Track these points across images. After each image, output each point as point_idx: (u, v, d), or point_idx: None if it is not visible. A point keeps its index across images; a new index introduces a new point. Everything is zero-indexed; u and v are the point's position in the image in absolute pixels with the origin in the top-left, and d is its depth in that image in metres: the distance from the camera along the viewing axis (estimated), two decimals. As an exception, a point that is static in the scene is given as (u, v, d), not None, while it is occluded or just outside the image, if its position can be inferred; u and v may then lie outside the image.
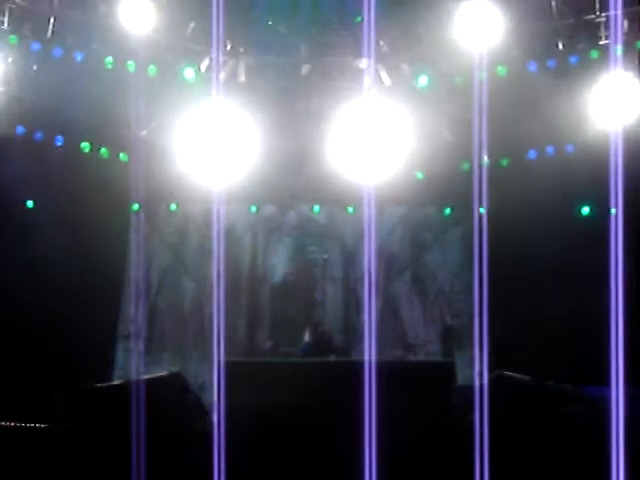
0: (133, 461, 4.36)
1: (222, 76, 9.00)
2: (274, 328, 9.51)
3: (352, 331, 8.91)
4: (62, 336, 8.38)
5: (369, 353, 4.94)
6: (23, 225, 8.80)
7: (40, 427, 4.60)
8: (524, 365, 5.37)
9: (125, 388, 5.16)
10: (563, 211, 9.04)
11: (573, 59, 8.55)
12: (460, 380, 6.48)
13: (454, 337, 9.59)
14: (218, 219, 8.33)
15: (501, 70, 8.59)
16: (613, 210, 4.86)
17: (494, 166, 9.02)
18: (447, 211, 9.86)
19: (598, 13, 8.40)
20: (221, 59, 8.83)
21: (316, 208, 9.81)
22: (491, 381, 5.18)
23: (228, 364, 4.79)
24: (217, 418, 4.61)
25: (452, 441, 4.60)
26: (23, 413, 4.69)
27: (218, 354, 5.15)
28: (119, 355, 9.29)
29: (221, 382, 4.57)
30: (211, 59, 8.85)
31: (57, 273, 8.57)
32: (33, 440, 4.54)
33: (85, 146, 8.91)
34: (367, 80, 8.84)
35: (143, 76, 8.52)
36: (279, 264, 9.73)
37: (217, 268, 6.91)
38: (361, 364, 4.56)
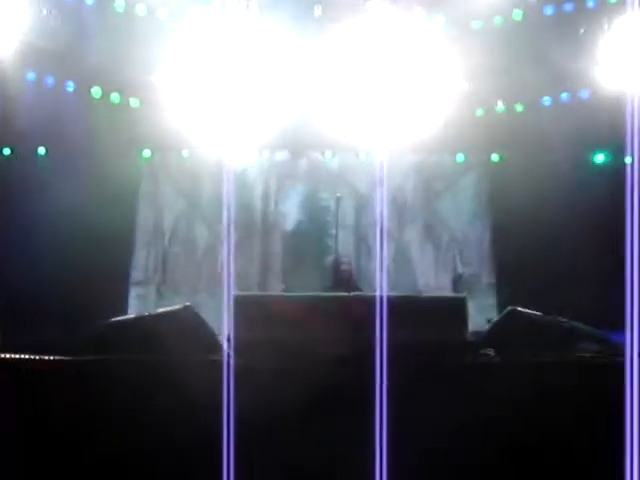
0: (146, 391, 4.45)
1: (234, 17, 8.88)
2: (285, 274, 9.54)
3: (364, 277, 8.93)
4: (75, 284, 8.43)
5: (381, 290, 4.95)
6: (35, 172, 8.81)
7: (58, 359, 4.68)
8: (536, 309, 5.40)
9: (139, 321, 5.23)
10: (577, 158, 8.99)
11: (590, 2, 8.41)
12: (471, 327, 6.50)
13: (465, 284, 9.61)
14: (228, 165, 8.32)
15: (517, 14, 8.46)
16: (628, 159, 4.82)
17: (508, 112, 8.96)
18: (460, 158, 9.80)
19: (616, -45, 8.24)
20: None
21: (328, 154, 9.76)
22: (504, 316, 5.21)
23: (239, 298, 4.82)
24: (227, 351, 4.66)
25: (466, 375, 4.64)
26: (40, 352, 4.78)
27: (228, 288, 5.19)
28: (132, 301, 9.36)
29: (231, 315, 4.62)
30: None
31: (69, 219, 8.59)
32: (51, 372, 4.63)
33: (96, 92, 8.85)
34: (381, 23, 8.71)
35: (154, 19, 8.43)
36: (291, 210, 9.72)
37: (227, 213, 6.92)
38: (374, 299, 4.58)
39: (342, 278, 7.49)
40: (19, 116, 8.38)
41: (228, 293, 5.02)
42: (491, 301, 9.45)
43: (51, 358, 4.79)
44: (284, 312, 4.92)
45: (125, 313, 8.66)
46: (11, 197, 8.61)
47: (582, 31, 8.46)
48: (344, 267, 7.59)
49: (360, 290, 7.47)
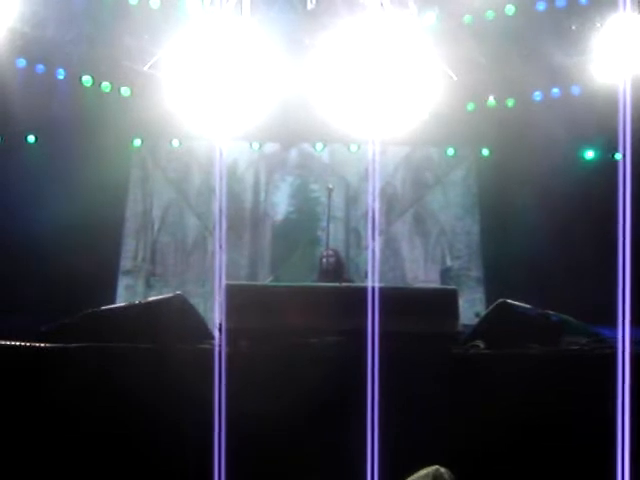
0: (135, 379, 4.44)
1: (226, 9, 8.87)
2: (275, 265, 9.55)
3: (354, 269, 8.95)
4: (63, 271, 8.41)
5: (372, 281, 4.96)
6: (24, 159, 8.77)
7: (44, 347, 4.67)
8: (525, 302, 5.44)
9: (130, 309, 5.22)
10: (567, 154, 9.03)
11: (583, -1, 8.45)
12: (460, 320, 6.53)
13: (454, 278, 9.65)
14: (220, 155, 8.31)
15: (509, 9, 8.48)
16: (617, 155, 4.85)
17: (499, 107, 8.99)
18: (450, 151, 9.83)
19: (610, -48, 8.26)
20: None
21: (319, 146, 9.77)
22: (494, 308, 5.24)
23: (229, 287, 4.82)
24: (217, 338, 4.67)
25: (457, 367, 4.65)
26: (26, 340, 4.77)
27: (220, 278, 5.19)
28: (121, 291, 9.34)
29: (223, 304, 4.62)
30: (215, -9, 8.72)
31: (57, 207, 8.56)
32: (38, 359, 4.62)
33: (87, 80, 8.82)
34: (373, 16, 8.71)
35: (146, 9, 8.40)
36: (281, 202, 9.73)
37: (219, 204, 6.92)
38: (365, 289, 4.58)
39: (327, 270, 7.39)
40: (8, 103, 8.34)
41: (219, 282, 5.03)
42: (479, 295, 9.50)
43: (40, 345, 4.77)
44: (274, 301, 4.93)
45: (114, 302, 8.64)
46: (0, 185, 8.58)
47: (574, 27, 8.50)
48: (329, 259, 7.46)
49: (350, 281, 7.45)
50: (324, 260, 7.45)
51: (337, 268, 7.45)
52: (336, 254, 7.58)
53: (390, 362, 4.31)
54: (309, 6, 9.14)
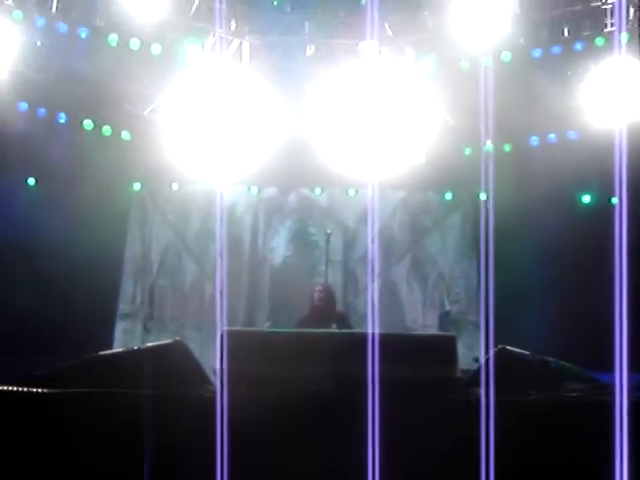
0: (134, 425, 4.41)
1: (226, 55, 8.98)
2: (273, 309, 9.54)
3: (351, 312, 8.93)
4: (62, 315, 8.39)
5: (372, 327, 4.96)
6: (24, 202, 8.80)
7: (43, 392, 4.65)
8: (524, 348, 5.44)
9: (127, 354, 5.20)
10: (564, 199, 9.07)
11: (578, 46, 8.55)
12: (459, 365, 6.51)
13: (452, 322, 9.63)
14: (220, 200, 8.35)
15: (505, 56, 8.58)
16: (614, 199, 4.89)
17: (496, 152, 9.04)
18: (448, 196, 9.87)
19: (604, 0, 8.40)
20: (226, 38, 8.81)
21: (317, 190, 9.82)
22: (493, 355, 5.24)
23: (228, 333, 4.81)
24: (219, 384, 4.64)
25: (456, 413, 4.63)
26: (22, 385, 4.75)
27: (221, 324, 5.19)
28: (119, 334, 9.31)
29: (223, 350, 4.62)
30: (215, 38, 8.83)
31: (57, 251, 8.57)
32: (35, 405, 4.59)
33: (87, 124, 8.89)
34: (371, 62, 8.83)
35: (147, 54, 8.50)
36: (279, 246, 9.74)
37: (220, 248, 6.94)
38: (363, 336, 4.58)
39: (318, 305, 7.22)
40: (9, 146, 8.39)
41: (220, 327, 5.03)
42: (478, 340, 9.46)
43: (37, 391, 4.76)
44: (272, 347, 4.93)
45: (111, 346, 8.61)
46: (-1, 227, 8.60)
47: (569, 73, 8.59)
48: (319, 295, 7.28)
49: (343, 315, 7.41)
50: (315, 295, 7.31)
51: (328, 303, 7.30)
52: (326, 289, 7.43)
53: (389, 409, 4.30)
54: (308, 52, 9.26)
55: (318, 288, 7.43)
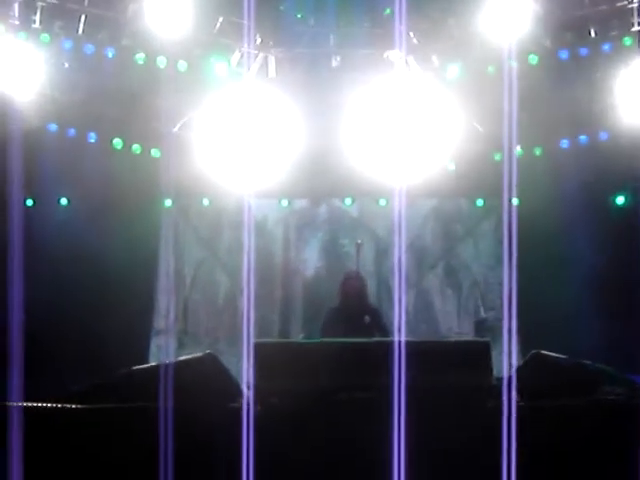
0: (165, 438, 4.42)
1: (253, 70, 9.01)
2: (307, 321, 9.53)
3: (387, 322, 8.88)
4: (96, 331, 8.46)
5: (399, 335, 4.92)
6: (58, 222, 8.90)
7: (78, 408, 4.68)
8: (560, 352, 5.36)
9: (161, 369, 5.22)
10: (598, 200, 8.96)
11: (606, 46, 8.45)
12: (495, 371, 6.44)
13: (488, 329, 9.54)
14: (249, 213, 8.37)
15: (532, 59, 8.52)
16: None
17: (527, 156, 8.97)
18: (479, 202, 9.80)
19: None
20: (251, 53, 8.85)
21: (348, 201, 9.80)
22: (528, 360, 5.17)
23: (258, 345, 4.81)
24: (246, 398, 4.64)
25: (490, 420, 4.57)
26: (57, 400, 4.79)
27: (248, 335, 5.19)
28: (153, 349, 9.36)
29: (250, 362, 4.62)
30: (241, 53, 8.88)
31: (92, 270, 8.66)
32: (71, 421, 4.62)
33: (117, 142, 8.97)
34: (397, 72, 8.81)
35: (174, 71, 8.56)
36: (311, 257, 9.74)
37: (247, 261, 6.94)
38: (395, 344, 4.54)
39: (350, 293, 6.90)
40: (41, 167, 8.49)
41: (247, 340, 5.03)
42: (515, 345, 9.36)
43: (74, 407, 4.79)
44: (302, 358, 4.91)
45: (147, 361, 8.65)
46: (34, 248, 8.68)
47: (598, 74, 8.50)
48: (352, 282, 6.98)
49: (375, 309, 7.23)
50: (347, 282, 6.98)
51: (360, 291, 6.99)
52: (358, 276, 7.07)
53: (423, 417, 4.26)
54: (334, 64, 9.27)
55: (350, 275, 7.07)
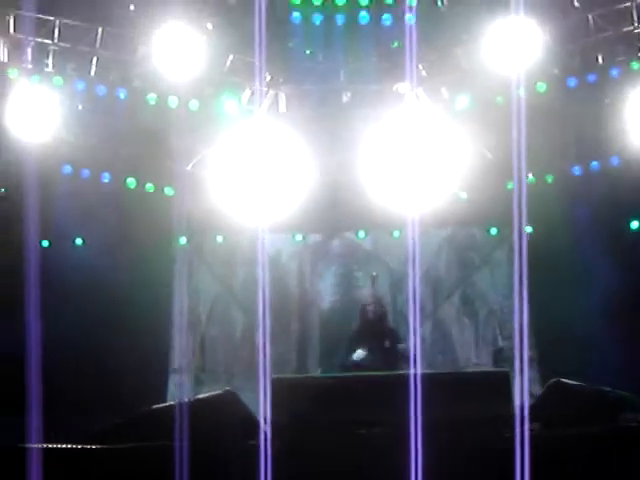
0: (185, 476, 4.41)
1: (263, 107, 9.08)
2: (323, 355, 9.49)
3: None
4: (115, 370, 8.46)
5: (414, 367, 4.91)
6: (74, 262, 8.94)
7: (97, 448, 4.68)
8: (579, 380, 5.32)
9: (179, 407, 5.22)
10: (612, 226, 8.93)
11: (614, 72, 8.48)
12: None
13: (506, 358, 9.47)
14: (263, 248, 8.39)
15: (540, 87, 8.55)
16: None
17: (539, 183, 8.97)
18: (493, 231, 9.79)
19: (636, 24, 8.34)
20: (261, 90, 8.93)
21: (361, 234, 9.81)
22: (548, 388, 5.13)
23: (276, 381, 4.80)
24: (263, 434, 4.63)
25: (510, 451, 4.54)
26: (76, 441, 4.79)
27: (264, 370, 5.19)
28: (172, 388, 9.34)
29: (267, 397, 4.61)
30: (252, 90, 8.96)
31: (108, 308, 8.68)
32: (93, 461, 4.62)
33: (131, 182, 9.04)
34: (408, 104, 8.86)
35: (185, 111, 8.65)
36: (326, 291, 9.73)
37: (262, 296, 6.96)
38: (409, 377, 4.54)
39: (370, 319, 7.21)
40: (56, 208, 8.56)
41: (264, 376, 5.02)
42: (533, 374, 9.29)
43: (94, 447, 4.79)
44: (320, 393, 4.90)
45: (165, 399, 8.63)
46: (51, 288, 8.72)
47: (607, 100, 8.52)
48: (371, 307, 7.30)
49: (395, 331, 7.33)
50: (367, 308, 7.29)
51: (380, 316, 7.29)
52: (377, 301, 7.43)
53: (442, 450, 4.23)
54: (344, 99, 9.33)
55: (370, 300, 7.40)
